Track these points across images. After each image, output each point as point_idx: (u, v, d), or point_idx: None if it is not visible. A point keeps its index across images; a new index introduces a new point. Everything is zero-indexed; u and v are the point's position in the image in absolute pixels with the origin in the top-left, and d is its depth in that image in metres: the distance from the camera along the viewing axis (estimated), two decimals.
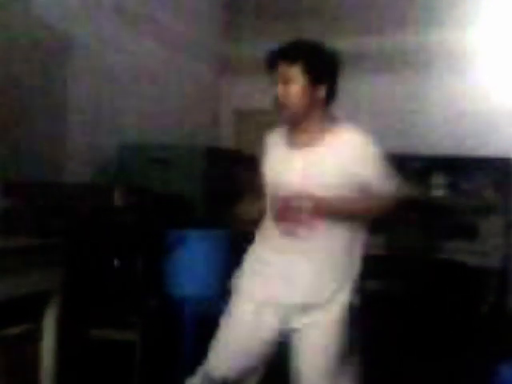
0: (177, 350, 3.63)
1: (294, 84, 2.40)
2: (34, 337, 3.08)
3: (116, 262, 3.69)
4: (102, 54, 4.72)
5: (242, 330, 2.46)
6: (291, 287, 2.42)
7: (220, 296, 3.91)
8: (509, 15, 5.58)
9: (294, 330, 2.44)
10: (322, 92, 2.43)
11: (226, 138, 6.41)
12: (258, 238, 2.56)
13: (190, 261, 3.95)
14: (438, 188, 5.36)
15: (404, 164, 5.39)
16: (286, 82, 2.40)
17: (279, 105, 2.43)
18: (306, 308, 2.42)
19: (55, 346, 3.12)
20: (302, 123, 2.45)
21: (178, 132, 5.51)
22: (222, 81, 6.55)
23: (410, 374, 4.19)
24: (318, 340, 2.41)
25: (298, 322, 2.43)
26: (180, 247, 3.96)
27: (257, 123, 6.09)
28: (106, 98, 4.77)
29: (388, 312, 4.82)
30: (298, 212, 2.37)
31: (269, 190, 2.50)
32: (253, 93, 5.59)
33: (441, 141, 5.58)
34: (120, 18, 4.89)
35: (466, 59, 5.71)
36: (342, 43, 5.83)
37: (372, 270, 4.92)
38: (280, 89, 2.41)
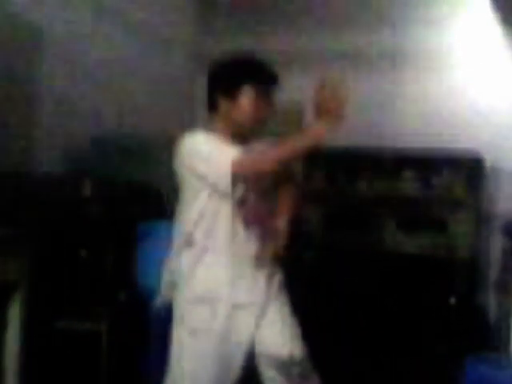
0: (145, 342, 3.60)
1: (271, 104, 2.46)
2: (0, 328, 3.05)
3: (83, 253, 3.65)
4: (77, 46, 4.66)
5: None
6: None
7: None
8: (484, 15, 5.62)
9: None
10: None
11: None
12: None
13: (159, 252, 3.92)
14: (409, 183, 5.38)
15: (376, 158, 5.44)
16: (268, 102, 2.44)
17: (258, 123, 2.43)
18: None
19: (21, 336, 3.09)
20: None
21: (153, 125, 5.47)
22: (199, 76, 6.51)
23: (379, 369, 4.21)
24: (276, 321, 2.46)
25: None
26: (149, 238, 3.94)
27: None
28: (80, 91, 4.71)
29: (357, 306, 4.85)
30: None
31: None
32: None
33: (414, 137, 5.60)
34: (95, 12, 4.84)
35: (441, 58, 5.74)
36: (317, 41, 5.91)
37: (342, 264, 4.97)
38: (264, 108, 2.43)
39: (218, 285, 2.43)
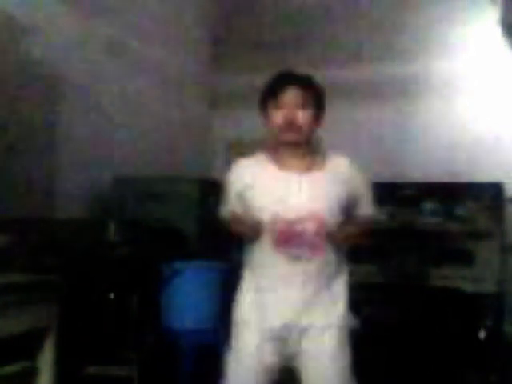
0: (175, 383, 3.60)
1: (307, 108, 2.48)
2: (31, 375, 3.05)
3: (111, 297, 3.66)
4: (94, 89, 4.74)
5: (250, 362, 2.45)
6: (294, 314, 2.44)
7: (217, 328, 3.90)
8: (494, 44, 5.65)
9: (299, 352, 2.46)
10: (321, 120, 2.55)
11: (219, 169, 6.41)
12: (251, 266, 2.54)
13: (186, 294, 3.94)
14: (431, 214, 5.37)
15: (396, 191, 5.43)
16: (299, 106, 2.47)
17: (288, 127, 2.47)
18: (306, 330, 2.44)
19: (52, 383, 3.08)
20: (301, 148, 2.51)
21: (170, 165, 5.52)
22: (214, 112, 6.59)
23: None
24: (322, 358, 2.44)
25: (301, 344, 2.45)
26: (176, 280, 3.95)
27: (248, 154, 6.13)
28: (98, 133, 4.78)
29: (385, 340, 4.80)
30: (302, 235, 2.40)
31: (264, 216, 2.43)
32: (244, 124, 5.62)
33: (431, 168, 5.61)
34: (109, 54, 4.93)
35: (454, 87, 5.77)
36: (330, 73, 5.96)
37: (368, 297, 4.94)
38: (291, 112, 2.47)
39: (248, 309, 2.51)
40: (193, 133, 6.24)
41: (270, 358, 2.44)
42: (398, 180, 5.48)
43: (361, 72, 6.00)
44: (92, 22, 4.71)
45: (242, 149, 6.21)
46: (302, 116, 2.47)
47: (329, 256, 2.46)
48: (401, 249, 5.33)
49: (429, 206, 5.38)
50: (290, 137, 2.48)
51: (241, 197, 2.55)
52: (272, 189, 2.48)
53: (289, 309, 2.44)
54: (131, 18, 5.22)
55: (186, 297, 3.92)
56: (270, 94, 2.52)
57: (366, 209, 2.61)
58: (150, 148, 5.37)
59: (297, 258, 2.41)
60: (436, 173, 5.50)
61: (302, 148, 2.51)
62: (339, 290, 2.52)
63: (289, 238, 2.41)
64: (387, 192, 5.39)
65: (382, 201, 5.29)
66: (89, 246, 3.91)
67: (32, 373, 3.06)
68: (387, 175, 5.44)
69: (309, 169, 2.50)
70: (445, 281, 5.12)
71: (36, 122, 4.16)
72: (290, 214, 2.40)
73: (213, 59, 6.58)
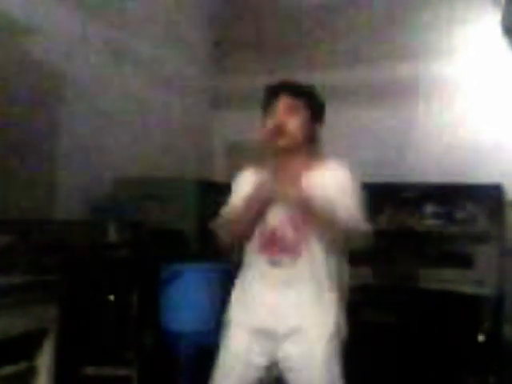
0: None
1: (298, 115, 2.49)
2: (30, 375, 3.05)
3: (111, 298, 3.67)
4: (94, 90, 4.75)
5: (238, 360, 2.48)
6: (278, 315, 2.45)
7: (216, 329, 3.91)
8: (495, 44, 5.65)
9: (284, 359, 2.45)
10: (315, 129, 2.56)
11: (219, 170, 6.42)
12: (243, 268, 2.60)
13: (185, 295, 3.94)
14: (431, 217, 5.37)
15: (396, 193, 5.43)
16: (290, 112, 2.48)
17: (277, 132, 2.47)
18: (292, 334, 2.43)
19: (50, 383, 3.09)
20: (292, 156, 2.51)
21: (170, 166, 5.52)
22: (214, 114, 6.59)
23: None
24: (307, 368, 2.43)
25: (288, 349, 2.44)
26: (175, 281, 3.95)
27: (249, 155, 6.13)
28: (99, 134, 4.79)
29: (383, 342, 4.80)
30: (282, 240, 2.46)
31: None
32: (245, 125, 5.62)
33: (431, 169, 5.61)
34: (110, 55, 4.94)
35: (454, 88, 5.77)
36: (330, 74, 5.98)
37: (367, 300, 4.94)
38: (281, 116, 2.48)
39: (235, 308, 2.57)
40: (193, 134, 6.24)
41: (257, 358, 2.45)
42: (398, 182, 5.48)
43: (360, 73, 6.00)
44: (92, 22, 4.72)
45: (242, 150, 6.25)
46: (292, 122, 2.47)
47: (312, 259, 2.45)
48: (400, 251, 5.33)
49: (428, 208, 5.39)
50: (279, 142, 2.48)
51: None
52: None
53: (269, 312, 2.46)
54: (131, 18, 5.23)
55: (185, 298, 3.92)
56: (264, 105, 2.55)
57: (354, 217, 2.47)
58: (150, 149, 5.38)
59: (278, 262, 2.46)
60: (436, 175, 5.50)
61: (295, 156, 2.51)
62: (331, 299, 2.48)
63: (271, 243, 2.48)
64: (387, 194, 5.40)
65: (383, 203, 5.37)
66: (89, 247, 3.91)
67: (31, 373, 3.06)
68: (387, 177, 5.45)
69: (300, 176, 2.48)
70: (444, 283, 5.11)
71: (36, 123, 4.17)
72: (274, 221, 2.47)
73: (213, 61, 6.59)
